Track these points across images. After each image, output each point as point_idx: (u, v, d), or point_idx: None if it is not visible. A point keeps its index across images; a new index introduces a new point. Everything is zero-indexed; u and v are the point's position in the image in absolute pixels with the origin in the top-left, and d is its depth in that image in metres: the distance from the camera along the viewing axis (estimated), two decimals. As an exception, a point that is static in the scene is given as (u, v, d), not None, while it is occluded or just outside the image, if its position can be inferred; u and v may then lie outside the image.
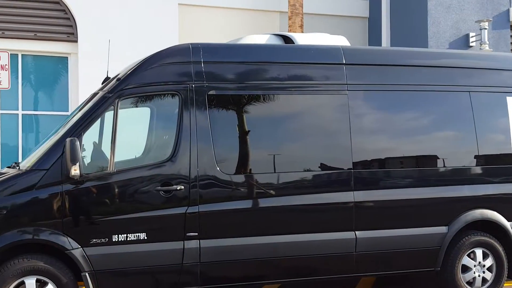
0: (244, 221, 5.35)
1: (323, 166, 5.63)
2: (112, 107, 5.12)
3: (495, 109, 6.24)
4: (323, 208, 5.55)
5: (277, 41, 6.15)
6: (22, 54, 10.62)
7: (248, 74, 5.56)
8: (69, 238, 4.90)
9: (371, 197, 5.66)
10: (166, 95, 5.38)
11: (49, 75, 10.98)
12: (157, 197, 5.12)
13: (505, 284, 6.15)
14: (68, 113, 9.89)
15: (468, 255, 5.99)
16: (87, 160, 5.31)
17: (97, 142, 5.45)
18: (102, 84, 5.74)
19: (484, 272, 6.03)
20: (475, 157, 6.08)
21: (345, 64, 5.77)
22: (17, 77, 10.53)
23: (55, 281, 4.88)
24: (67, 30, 10.62)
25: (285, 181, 5.47)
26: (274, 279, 5.64)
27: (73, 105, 10.50)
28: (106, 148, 5.21)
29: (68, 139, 4.86)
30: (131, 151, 5.70)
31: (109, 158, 5.07)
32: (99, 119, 5.20)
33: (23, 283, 4.83)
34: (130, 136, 5.72)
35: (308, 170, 5.58)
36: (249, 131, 5.48)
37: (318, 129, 5.67)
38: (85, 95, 6.41)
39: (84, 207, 4.99)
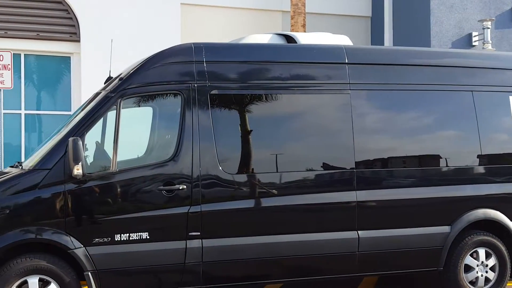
0: (246, 221, 5.35)
1: (325, 166, 5.63)
2: (115, 106, 5.12)
3: (498, 109, 6.23)
4: (326, 207, 5.54)
5: (280, 41, 6.15)
6: (24, 54, 10.65)
7: (251, 74, 5.56)
8: (71, 237, 4.91)
9: (374, 197, 5.66)
10: (168, 94, 5.38)
11: (51, 74, 11.00)
12: (160, 196, 5.12)
13: (508, 284, 6.14)
14: (71, 113, 9.93)
15: (471, 255, 5.98)
16: (90, 159, 5.31)
17: (99, 141, 5.46)
18: (104, 83, 5.74)
19: (487, 272, 6.02)
20: (478, 156, 6.06)
21: (347, 63, 5.76)
22: (19, 77, 10.55)
23: (58, 280, 4.88)
24: (70, 30, 10.64)
25: (287, 180, 5.47)
26: (277, 279, 5.63)
27: (75, 104, 10.52)
28: (108, 147, 5.22)
29: (70, 139, 4.86)
30: (134, 151, 5.70)
31: (111, 158, 5.07)
32: (102, 118, 5.20)
33: (26, 282, 4.84)
34: (133, 136, 5.72)
35: (311, 170, 5.57)
36: (251, 130, 5.48)
37: (320, 128, 5.67)
38: (88, 94, 6.42)
39: (86, 206, 4.99)
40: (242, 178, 5.36)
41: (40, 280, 4.86)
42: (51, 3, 10.63)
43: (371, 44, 12.54)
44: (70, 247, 4.90)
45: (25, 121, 10.68)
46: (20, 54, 10.51)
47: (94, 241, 4.95)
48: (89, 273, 4.94)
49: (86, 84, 10.16)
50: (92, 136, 5.25)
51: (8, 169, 5.60)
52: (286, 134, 5.59)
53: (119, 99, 5.14)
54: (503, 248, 6.04)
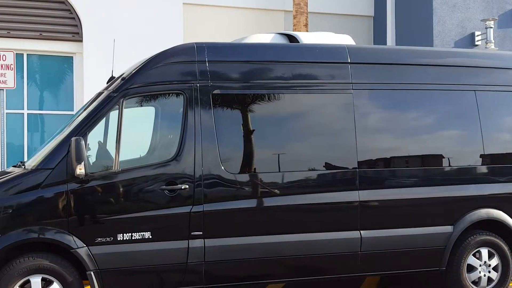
0: (248, 220, 5.34)
1: (328, 165, 5.62)
2: (117, 106, 5.13)
3: (500, 108, 6.22)
4: (328, 207, 5.54)
5: (282, 40, 6.15)
6: (27, 54, 10.66)
7: (253, 73, 5.56)
8: (74, 237, 4.92)
9: (376, 197, 5.65)
10: (170, 94, 5.38)
11: (54, 74, 11.02)
12: (162, 196, 5.12)
13: (510, 284, 6.13)
14: (73, 113, 9.93)
15: (474, 255, 5.97)
16: (92, 159, 5.32)
17: (102, 141, 5.46)
18: (107, 83, 5.75)
19: (489, 272, 6.01)
20: (481, 156, 6.05)
21: (350, 63, 5.75)
22: (22, 77, 10.57)
23: (61, 280, 4.89)
24: (72, 29, 10.66)
25: (289, 180, 5.47)
26: (279, 278, 5.63)
27: (78, 104, 10.53)
28: (111, 147, 5.22)
29: (73, 139, 4.87)
30: (136, 150, 5.71)
31: (114, 157, 5.08)
32: (104, 118, 5.20)
33: (28, 281, 4.84)
34: (135, 135, 5.73)
35: (313, 169, 5.57)
36: (253, 130, 5.48)
37: (323, 128, 5.66)
38: (90, 94, 6.43)
39: (89, 206, 5.00)
40: (244, 177, 5.36)
41: (42, 279, 4.86)
42: (53, 3, 10.65)
43: (374, 44, 12.52)
44: (72, 247, 4.90)
45: (28, 121, 10.69)
46: (22, 54, 10.53)
47: (96, 241, 4.96)
48: (92, 273, 4.95)
49: (89, 84, 10.18)
50: (95, 136, 5.25)
51: (11, 169, 5.61)
52: (288, 133, 5.59)
53: (122, 99, 5.14)
54: (506, 248, 6.03)
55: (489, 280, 6.00)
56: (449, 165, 5.95)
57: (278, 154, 5.49)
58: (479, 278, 5.97)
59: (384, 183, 5.73)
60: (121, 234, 5.01)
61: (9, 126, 9.55)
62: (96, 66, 9.97)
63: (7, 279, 4.79)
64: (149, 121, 5.79)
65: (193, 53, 5.37)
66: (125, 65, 5.96)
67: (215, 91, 5.34)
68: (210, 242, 5.19)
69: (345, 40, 6.30)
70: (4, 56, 8.25)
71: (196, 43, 5.48)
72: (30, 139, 10.75)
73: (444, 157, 5.95)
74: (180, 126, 5.25)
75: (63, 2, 10.64)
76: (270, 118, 5.58)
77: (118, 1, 10.67)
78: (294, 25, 11.12)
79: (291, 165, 5.48)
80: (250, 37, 6.14)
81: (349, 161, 5.60)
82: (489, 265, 6.01)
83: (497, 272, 6.04)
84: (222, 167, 5.25)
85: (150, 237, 5.07)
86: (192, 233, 5.15)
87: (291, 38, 6.16)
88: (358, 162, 5.61)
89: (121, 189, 5.06)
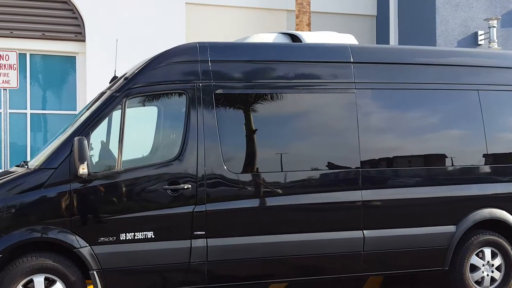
0: (251, 220, 5.34)
1: (330, 165, 5.62)
2: (120, 106, 5.13)
3: (504, 108, 6.20)
4: (331, 207, 5.53)
5: (285, 40, 6.14)
6: (30, 54, 10.69)
7: (255, 73, 5.56)
8: (77, 236, 4.92)
9: (379, 196, 5.64)
10: (173, 94, 5.38)
11: (57, 74, 11.04)
12: (165, 196, 5.13)
13: (514, 284, 6.12)
14: (76, 112, 9.95)
15: (477, 255, 5.96)
16: (95, 159, 5.32)
17: (104, 141, 5.47)
18: (109, 83, 5.75)
19: (492, 272, 6.00)
20: (484, 156, 6.04)
21: (353, 62, 5.75)
22: (25, 77, 10.59)
23: (64, 279, 4.90)
24: (75, 29, 10.67)
25: (292, 180, 5.47)
26: (281, 278, 5.63)
27: (81, 104, 10.55)
28: (113, 147, 5.23)
29: (76, 138, 4.87)
30: (139, 150, 5.71)
31: (116, 157, 5.08)
32: (107, 118, 5.21)
33: (31, 281, 4.85)
34: (138, 135, 5.73)
35: (316, 169, 5.57)
36: (256, 130, 5.48)
37: (325, 127, 5.66)
38: (93, 94, 6.44)
39: (92, 205, 5.01)
40: (247, 177, 5.35)
41: (45, 279, 4.87)
42: (56, 3, 10.66)
43: (377, 43, 12.51)
44: (75, 246, 4.91)
45: (31, 120, 10.72)
46: (25, 54, 10.55)
47: (99, 240, 4.97)
48: (95, 272, 4.96)
49: (91, 83, 10.19)
50: (98, 135, 5.26)
51: (14, 169, 5.62)
52: (291, 133, 5.58)
53: (124, 99, 5.14)
54: (509, 247, 6.02)
55: (492, 280, 5.99)
56: (452, 165, 5.94)
57: (281, 154, 5.49)
58: (482, 278, 5.96)
59: (387, 182, 5.72)
60: (124, 234, 5.02)
61: (12, 126, 9.57)
62: (99, 66, 9.99)
63: (10, 278, 4.79)
64: (151, 121, 5.79)
65: (196, 52, 5.37)
66: (127, 65, 5.96)
67: (218, 91, 5.34)
68: (212, 241, 5.19)
69: (348, 39, 6.29)
70: (7, 56, 8.27)
71: (198, 42, 5.48)
72: (33, 139, 10.77)
73: (447, 157, 5.94)
74: (183, 126, 5.25)
75: (65, 2, 10.66)
76: (272, 118, 5.58)
77: (121, 1, 10.68)
78: (296, 25, 11.11)
79: (293, 164, 5.48)
80: (252, 37, 6.14)
81: (352, 160, 5.59)
82: (492, 265, 6.00)
83: (500, 272, 6.02)
84: (225, 167, 5.25)
85: (153, 236, 5.07)
86: (195, 233, 5.15)
87: (294, 38, 6.16)
88: (361, 161, 5.60)
89: (123, 189, 5.07)
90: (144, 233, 5.06)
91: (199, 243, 5.16)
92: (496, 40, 11.21)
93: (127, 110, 5.12)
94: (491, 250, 5.99)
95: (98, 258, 4.96)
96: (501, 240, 6.01)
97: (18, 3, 10.43)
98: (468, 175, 5.96)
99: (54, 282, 4.89)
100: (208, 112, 5.28)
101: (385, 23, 12.50)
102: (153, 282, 5.18)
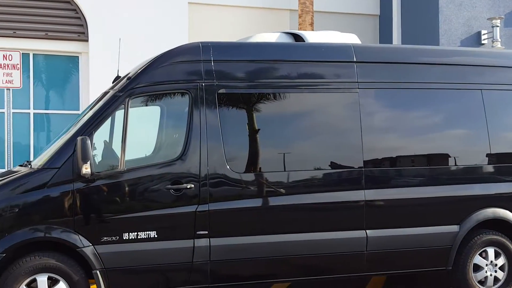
0: (254, 220, 5.34)
1: (333, 165, 5.61)
2: (123, 105, 5.14)
3: (507, 107, 6.19)
4: (334, 206, 5.53)
5: (288, 39, 6.14)
6: (33, 54, 10.70)
7: (258, 73, 5.56)
8: (80, 236, 4.93)
9: (382, 196, 5.64)
10: (176, 93, 5.38)
11: (60, 74, 11.05)
12: (167, 195, 5.13)
13: (517, 284, 6.10)
14: (79, 112, 9.96)
15: (480, 254, 5.95)
16: (98, 158, 5.33)
17: (107, 140, 5.47)
18: (112, 83, 5.76)
19: (496, 271, 5.99)
20: (487, 155, 6.03)
21: (356, 62, 5.74)
22: (28, 77, 10.60)
23: (67, 278, 4.91)
24: (78, 29, 10.68)
25: (295, 179, 5.46)
26: (284, 278, 5.63)
27: (84, 104, 10.56)
28: (116, 146, 5.23)
29: (79, 138, 4.88)
30: (142, 150, 5.71)
31: (119, 157, 5.09)
32: (110, 117, 5.21)
33: (35, 280, 4.86)
34: (141, 135, 5.73)
35: (319, 169, 5.56)
36: (259, 129, 5.48)
37: (328, 127, 5.66)
38: (96, 94, 6.44)
39: (95, 205, 5.01)
40: (250, 177, 5.35)
41: (49, 278, 4.88)
42: (59, 3, 10.68)
43: (380, 43, 12.49)
44: (78, 246, 4.92)
45: (34, 120, 10.73)
46: (28, 53, 10.57)
47: (102, 240, 4.97)
48: (98, 272, 4.96)
49: (94, 83, 10.19)
50: (101, 135, 5.26)
51: (17, 168, 5.63)
52: (294, 133, 5.58)
53: (127, 98, 5.15)
54: (512, 247, 6.01)
55: (496, 279, 5.98)
56: (455, 164, 5.93)
57: (284, 154, 5.48)
58: (486, 277, 5.95)
59: (390, 182, 5.71)
60: (127, 233, 5.02)
61: (16, 126, 9.58)
62: (102, 66, 9.99)
63: (13, 278, 4.81)
64: (154, 121, 5.80)
65: (199, 52, 5.37)
66: (130, 65, 5.97)
67: (221, 91, 5.34)
68: (215, 241, 5.19)
69: (351, 39, 6.28)
70: (10, 56, 8.28)
71: (201, 42, 5.48)
72: (36, 139, 10.79)
73: (450, 156, 5.93)
74: (186, 126, 5.25)
75: (68, 2, 10.67)
76: (275, 117, 5.58)
77: (124, 1, 10.69)
78: (299, 24, 11.10)
79: (296, 164, 5.47)
80: (255, 36, 6.14)
81: (355, 160, 5.59)
82: (496, 265, 5.99)
83: (503, 272, 6.01)
84: (228, 167, 5.25)
85: (156, 236, 5.08)
86: (198, 232, 5.15)
87: (297, 37, 6.15)
88: (364, 161, 5.59)
89: (126, 188, 5.07)
90: (147, 232, 5.07)
91: (202, 242, 5.17)
92: (499, 40, 11.18)
93: (130, 110, 5.13)
94: (495, 250, 5.98)
95: (101, 257, 4.96)
96: (504, 240, 6.00)
97: (21, 3, 10.44)
98: (471, 174, 5.95)
99: (57, 281, 4.90)
100: (211, 112, 5.28)
101: (388, 23, 12.48)
102: (156, 282, 5.18)
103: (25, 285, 4.84)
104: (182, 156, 5.20)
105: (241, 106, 5.47)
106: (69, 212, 4.93)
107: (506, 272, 6.01)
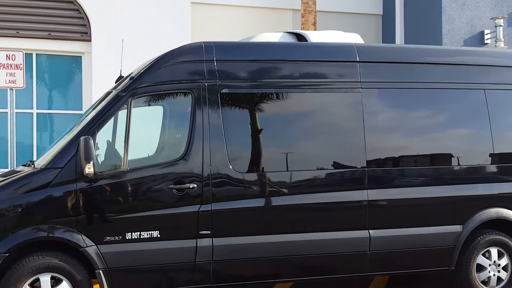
0: (256, 220, 5.34)
1: (336, 165, 5.61)
2: (126, 105, 5.14)
3: (510, 107, 6.17)
4: (337, 206, 5.52)
5: (290, 39, 6.14)
6: (36, 54, 10.73)
7: (261, 72, 5.55)
8: (83, 235, 4.94)
9: (385, 196, 5.63)
10: (179, 93, 5.39)
11: (63, 74, 11.08)
12: (170, 195, 5.13)
13: (520, 284, 6.09)
14: (82, 112, 9.98)
15: (483, 254, 5.93)
16: (101, 158, 5.33)
17: (110, 140, 5.48)
18: (115, 83, 5.76)
19: (499, 271, 5.97)
20: (490, 155, 6.01)
21: (358, 61, 5.73)
22: (31, 76, 10.63)
23: (70, 278, 4.91)
24: (81, 29, 10.70)
25: (298, 179, 5.46)
26: (287, 278, 5.63)
27: (86, 104, 10.58)
28: (119, 146, 5.24)
29: (82, 138, 4.89)
30: (144, 150, 5.72)
31: (122, 157, 5.09)
32: (113, 117, 5.22)
33: (38, 280, 4.87)
34: (143, 135, 5.74)
35: (321, 169, 5.56)
36: (261, 129, 5.47)
37: (331, 127, 5.65)
38: (99, 94, 6.45)
39: (98, 205, 5.02)
40: (252, 177, 5.35)
41: (52, 278, 4.89)
42: (62, 3, 10.70)
43: (383, 42, 12.48)
44: (81, 245, 4.93)
45: (37, 120, 10.76)
46: (32, 53, 10.59)
47: (105, 240, 4.98)
48: (101, 271, 4.97)
49: (97, 83, 10.21)
50: (103, 135, 5.26)
51: (20, 168, 5.64)
52: (297, 133, 5.57)
53: (130, 98, 5.15)
54: (515, 247, 5.99)
55: (499, 279, 5.97)
56: (459, 164, 5.92)
57: (286, 153, 5.48)
58: (489, 277, 5.94)
59: (393, 182, 5.71)
60: (130, 233, 5.02)
61: (19, 126, 9.60)
62: (105, 66, 10.01)
63: (16, 277, 4.81)
64: (157, 120, 5.80)
65: (201, 52, 5.37)
66: (133, 65, 5.97)
67: (223, 90, 5.34)
68: (218, 241, 5.19)
69: (354, 38, 6.28)
70: (13, 56, 8.29)
71: (204, 42, 5.48)
72: (39, 139, 10.81)
73: (453, 156, 5.92)
74: (188, 125, 5.25)
75: (71, 2, 10.69)
76: (278, 117, 5.57)
77: (127, 1, 10.70)
78: (302, 24, 11.10)
79: (299, 164, 5.47)
80: (258, 36, 6.14)
81: (358, 160, 5.58)
82: (499, 265, 5.98)
83: (506, 272, 6.00)
84: (230, 166, 5.25)
85: (159, 236, 5.08)
86: (200, 232, 5.15)
87: (300, 37, 6.15)
88: (367, 161, 5.59)
89: (129, 188, 5.08)
90: (150, 232, 5.07)
91: (205, 242, 5.17)
92: (503, 39, 11.16)
93: (133, 110, 5.13)
94: (498, 250, 5.96)
95: (104, 257, 4.97)
96: (507, 240, 5.98)
97: (24, 3, 10.47)
98: (474, 174, 5.94)
99: (60, 281, 4.91)
100: (214, 112, 5.28)
101: (391, 22, 12.46)
102: (158, 282, 5.19)
103: (28, 285, 4.85)
104: (184, 156, 5.20)
105: (244, 106, 5.47)
106: (72, 212, 4.94)
107: (509, 272, 6.00)
